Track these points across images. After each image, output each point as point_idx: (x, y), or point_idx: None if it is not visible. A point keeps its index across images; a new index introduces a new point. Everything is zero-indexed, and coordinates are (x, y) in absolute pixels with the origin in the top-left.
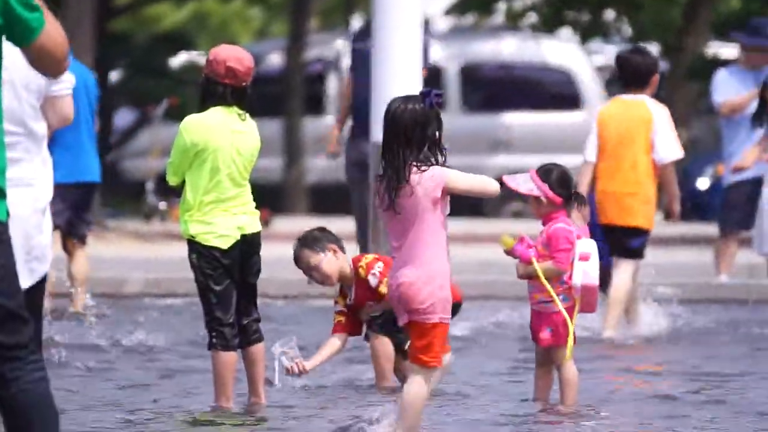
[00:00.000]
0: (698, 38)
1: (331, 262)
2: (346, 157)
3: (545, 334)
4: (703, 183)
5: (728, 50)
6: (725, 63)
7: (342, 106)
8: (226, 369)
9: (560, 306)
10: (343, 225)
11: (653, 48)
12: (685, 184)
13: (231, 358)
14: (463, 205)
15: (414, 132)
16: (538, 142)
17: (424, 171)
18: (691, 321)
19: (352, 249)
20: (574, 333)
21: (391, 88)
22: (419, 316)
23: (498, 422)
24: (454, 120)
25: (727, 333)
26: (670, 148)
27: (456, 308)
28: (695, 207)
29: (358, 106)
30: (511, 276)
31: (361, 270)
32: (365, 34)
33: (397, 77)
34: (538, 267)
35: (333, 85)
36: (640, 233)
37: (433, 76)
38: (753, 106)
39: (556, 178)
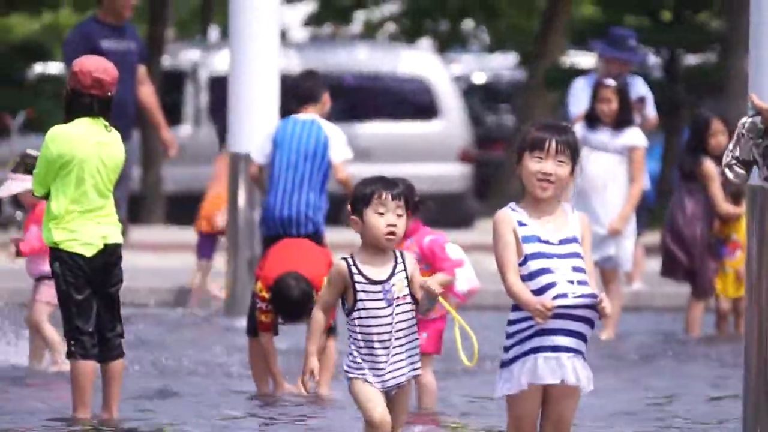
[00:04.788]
0: (555, 46)
1: None
2: None
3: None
4: None
5: (586, 59)
6: (583, 72)
7: None
8: (85, 378)
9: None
10: None
11: (511, 57)
12: None
13: (89, 367)
14: None
15: None
16: (397, 151)
17: None
18: None
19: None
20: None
21: (248, 95)
22: None
23: None
24: None
25: None
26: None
27: None
28: None
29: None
30: None
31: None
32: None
33: (254, 87)
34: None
35: (190, 95)
36: None
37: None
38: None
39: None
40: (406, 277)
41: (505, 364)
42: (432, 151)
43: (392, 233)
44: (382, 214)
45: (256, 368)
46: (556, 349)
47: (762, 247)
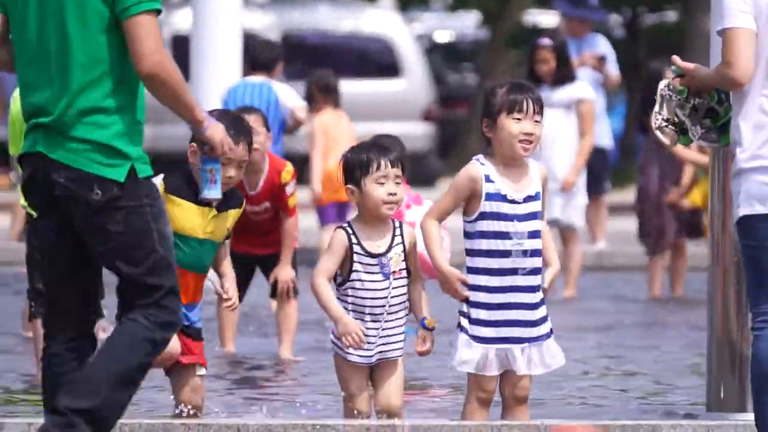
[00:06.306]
0: (518, 5)
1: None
2: None
3: None
4: None
5: (548, 18)
6: (545, 31)
7: None
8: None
9: None
10: None
11: (474, 15)
12: None
13: None
14: None
15: None
16: (359, 109)
17: None
18: None
19: None
20: None
21: (210, 54)
22: None
23: None
24: None
25: None
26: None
27: None
28: None
29: None
30: None
31: (286, 174)
32: None
33: (216, 45)
34: None
35: None
36: None
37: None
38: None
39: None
40: (404, 250)
41: (462, 330)
42: (395, 109)
43: (393, 203)
44: (382, 183)
45: (222, 327)
46: (506, 340)
47: (724, 204)
